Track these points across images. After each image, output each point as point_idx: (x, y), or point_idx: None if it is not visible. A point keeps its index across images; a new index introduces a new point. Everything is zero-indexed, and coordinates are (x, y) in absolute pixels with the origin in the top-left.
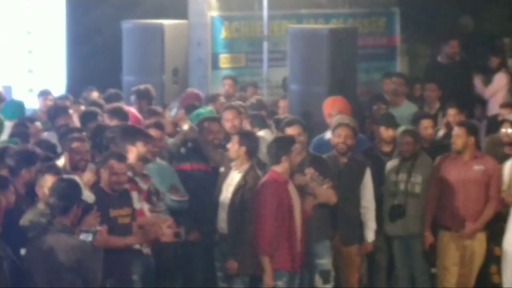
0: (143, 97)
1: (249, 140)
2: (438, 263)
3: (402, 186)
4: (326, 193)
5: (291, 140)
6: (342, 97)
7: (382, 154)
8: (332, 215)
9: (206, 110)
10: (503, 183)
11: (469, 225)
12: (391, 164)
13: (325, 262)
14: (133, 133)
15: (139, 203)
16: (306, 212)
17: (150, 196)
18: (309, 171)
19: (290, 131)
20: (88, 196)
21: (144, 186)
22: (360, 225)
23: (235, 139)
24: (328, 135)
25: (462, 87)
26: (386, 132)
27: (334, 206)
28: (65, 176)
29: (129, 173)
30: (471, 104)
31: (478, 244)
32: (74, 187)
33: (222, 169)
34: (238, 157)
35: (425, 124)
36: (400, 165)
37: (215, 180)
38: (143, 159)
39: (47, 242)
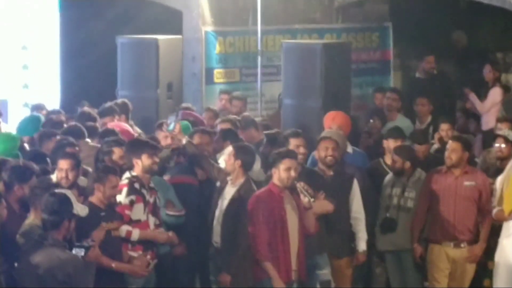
0: (122, 112)
1: (244, 153)
2: (429, 276)
3: (395, 200)
4: (321, 204)
5: (285, 154)
6: (343, 112)
7: (389, 168)
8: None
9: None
10: (495, 197)
11: (476, 248)
12: (388, 178)
13: (325, 272)
14: (138, 146)
15: (144, 215)
16: (306, 228)
17: (156, 209)
18: (300, 185)
19: (294, 142)
20: (80, 209)
21: (150, 198)
22: (350, 237)
23: (231, 152)
24: None
25: (443, 100)
26: (395, 145)
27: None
28: (56, 190)
29: (136, 185)
30: (453, 116)
31: (467, 257)
32: (65, 202)
33: (218, 184)
34: (233, 170)
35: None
36: (395, 179)
37: (201, 193)
38: (149, 171)
39: (38, 257)
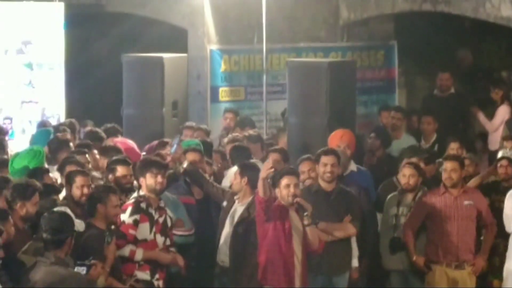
0: (111, 135)
1: (250, 171)
2: None
3: (402, 220)
4: (343, 227)
5: (284, 172)
6: (350, 131)
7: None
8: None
9: (194, 141)
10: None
11: (479, 260)
12: (391, 197)
13: None
14: (144, 165)
15: (151, 235)
16: (310, 245)
17: (165, 229)
18: (298, 201)
19: (325, 160)
20: (78, 224)
21: (159, 218)
22: (350, 253)
23: (236, 171)
24: None
25: (458, 120)
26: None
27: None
28: (55, 208)
29: (143, 205)
30: (467, 136)
31: (468, 277)
32: (66, 220)
33: (224, 204)
34: (241, 189)
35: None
36: (400, 199)
37: (199, 212)
38: (153, 191)
39: (40, 274)
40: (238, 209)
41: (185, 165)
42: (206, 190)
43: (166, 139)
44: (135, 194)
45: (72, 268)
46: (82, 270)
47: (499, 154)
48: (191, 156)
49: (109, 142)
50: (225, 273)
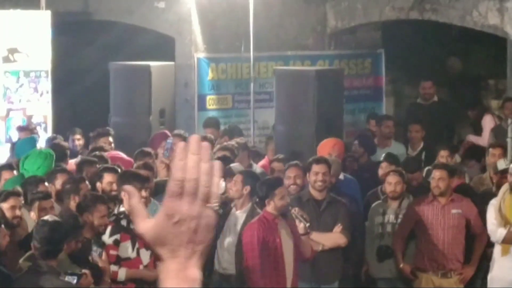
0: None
1: (253, 180)
2: None
3: (389, 228)
4: (333, 237)
5: (276, 183)
6: (341, 140)
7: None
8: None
9: None
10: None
11: (467, 269)
12: (375, 206)
13: None
14: (126, 178)
15: (133, 252)
16: (302, 254)
17: None
18: (295, 211)
19: (317, 168)
20: None
21: None
22: (340, 261)
23: (239, 178)
24: None
25: (442, 128)
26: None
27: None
28: (45, 217)
29: (123, 222)
30: (452, 143)
31: (455, 286)
32: (57, 229)
33: (220, 211)
34: (240, 196)
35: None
36: (385, 207)
37: None
38: None
39: (32, 283)
40: (239, 216)
41: None
42: None
43: (148, 149)
44: (115, 211)
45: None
46: (72, 279)
47: (499, 166)
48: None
49: (100, 143)
50: (227, 280)
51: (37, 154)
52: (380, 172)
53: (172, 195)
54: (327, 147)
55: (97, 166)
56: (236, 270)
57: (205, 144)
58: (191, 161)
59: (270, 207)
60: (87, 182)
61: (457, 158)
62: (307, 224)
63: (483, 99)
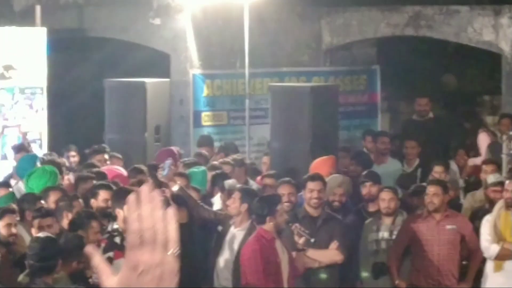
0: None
1: (250, 197)
2: None
3: (383, 245)
4: (329, 254)
5: (276, 200)
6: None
7: (368, 214)
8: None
9: (200, 169)
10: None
11: (462, 286)
12: (369, 223)
13: None
14: (121, 196)
15: None
16: (297, 269)
17: None
18: (296, 227)
19: (312, 186)
20: None
21: None
22: (335, 279)
23: (237, 195)
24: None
25: (437, 144)
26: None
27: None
28: (38, 234)
29: (117, 240)
30: (447, 159)
31: None
32: (50, 246)
33: (220, 228)
34: (239, 214)
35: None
36: (379, 224)
37: (183, 237)
38: None
39: None
40: (237, 234)
41: (175, 188)
42: (197, 213)
43: (141, 166)
44: (109, 228)
45: None
46: None
47: (488, 180)
48: (180, 181)
49: (95, 161)
50: None
51: (41, 172)
52: (364, 191)
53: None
54: (327, 166)
55: (93, 182)
56: (234, 286)
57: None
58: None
59: (268, 225)
60: (80, 200)
61: (453, 166)
62: (312, 240)
63: (478, 115)
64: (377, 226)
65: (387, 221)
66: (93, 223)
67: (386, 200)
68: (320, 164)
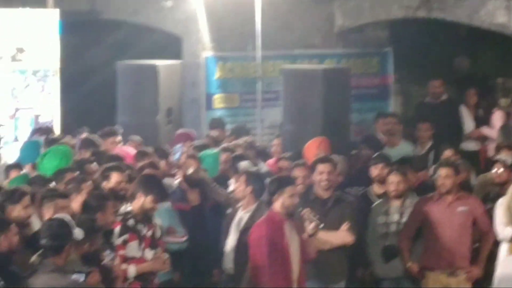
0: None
1: (255, 180)
2: None
3: (393, 227)
4: (340, 235)
5: (288, 181)
6: (324, 137)
7: (378, 197)
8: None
9: (212, 152)
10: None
11: (474, 268)
12: (377, 206)
13: None
14: (150, 185)
15: (139, 251)
16: (308, 254)
17: (154, 242)
18: (306, 212)
19: (322, 168)
20: (77, 233)
21: (147, 233)
22: (345, 262)
23: (242, 178)
24: None
25: (450, 126)
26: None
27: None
28: (55, 215)
29: (131, 222)
30: (460, 142)
31: (463, 284)
32: (66, 226)
33: (229, 210)
34: (244, 196)
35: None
36: (388, 207)
37: (193, 218)
38: (149, 211)
39: (39, 282)
40: (244, 216)
41: (190, 171)
42: (212, 195)
43: (147, 149)
44: (121, 210)
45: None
46: (80, 277)
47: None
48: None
49: (107, 144)
50: (232, 280)
51: (55, 152)
52: (375, 172)
53: None
54: (313, 148)
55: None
56: (235, 269)
57: None
58: None
59: (277, 205)
60: (90, 182)
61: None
62: (321, 225)
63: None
64: (386, 208)
65: (396, 203)
66: (109, 203)
67: (394, 182)
68: (307, 147)
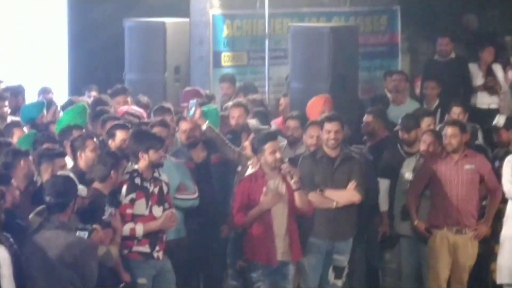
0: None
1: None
2: (429, 263)
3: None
4: (347, 194)
5: (266, 137)
6: (327, 95)
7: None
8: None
9: (211, 108)
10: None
11: (481, 226)
12: (407, 162)
13: (343, 259)
14: (145, 140)
15: (147, 210)
16: (298, 209)
17: (162, 198)
18: (284, 167)
19: (329, 126)
20: (81, 190)
21: (155, 189)
22: (354, 218)
23: (251, 137)
24: None
25: (459, 84)
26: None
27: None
28: (59, 172)
29: (137, 180)
30: (469, 101)
31: (470, 242)
32: (70, 183)
33: (239, 168)
34: (251, 155)
35: (428, 123)
36: (416, 165)
37: (199, 176)
38: (156, 166)
39: (44, 239)
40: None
41: (204, 127)
42: (224, 152)
43: (167, 105)
44: (129, 168)
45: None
46: (83, 234)
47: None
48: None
49: (121, 100)
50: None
51: (69, 110)
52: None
53: None
54: (319, 106)
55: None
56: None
57: None
58: None
59: (262, 162)
60: (94, 139)
61: None
62: (293, 180)
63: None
64: (414, 166)
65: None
66: (123, 162)
67: (426, 143)
68: (312, 105)
